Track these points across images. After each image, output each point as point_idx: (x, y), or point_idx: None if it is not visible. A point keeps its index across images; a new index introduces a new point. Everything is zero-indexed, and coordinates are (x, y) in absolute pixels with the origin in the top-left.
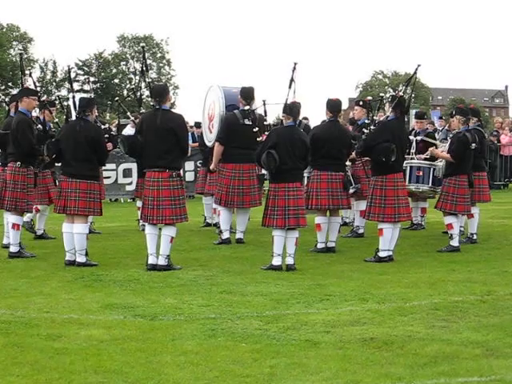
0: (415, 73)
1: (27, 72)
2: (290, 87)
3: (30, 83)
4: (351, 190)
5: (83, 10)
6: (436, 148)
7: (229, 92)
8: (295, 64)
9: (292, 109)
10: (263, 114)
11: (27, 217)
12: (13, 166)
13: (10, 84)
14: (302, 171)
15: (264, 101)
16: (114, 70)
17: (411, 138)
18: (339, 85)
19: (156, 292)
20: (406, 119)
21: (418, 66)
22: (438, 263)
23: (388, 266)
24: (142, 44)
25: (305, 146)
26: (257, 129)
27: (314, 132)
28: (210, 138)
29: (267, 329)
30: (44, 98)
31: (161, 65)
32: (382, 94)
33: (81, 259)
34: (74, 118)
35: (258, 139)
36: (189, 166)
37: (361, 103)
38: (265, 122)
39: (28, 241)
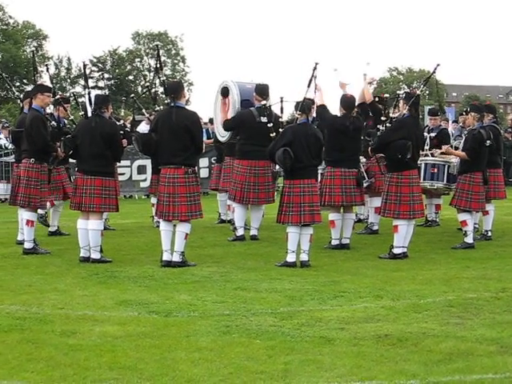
0: (434, 72)
1: (42, 68)
2: (308, 86)
3: (45, 79)
4: (364, 185)
5: (98, 7)
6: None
7: (243, 87)
8: (316, 64)
9: (304, 106)
10: (279, 112)
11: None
12: (27, 163)
13: (24, 81)
14: (316, 168)
15: (282, 98)
16: (129, 67)
17: (425, 134)
18: (354, 81)
19: (170, 288)
20: (420, 116)
21: (438, 65)
22: (453, 260)
23: (402, 263)
24: (156, 42)
25: (319, 142)
26: (271, 124)
27: (327, 125)
28: (222, 134)
29: (281, 325)
30: (58, 94)
31: (175, 61)
32: (398, 92)
33: (95, 255)
34: (89, 114)
35: (271, 135)
36: (203, 162)
37: (377, 99)
38: (280, 119)
39: (42, 237)
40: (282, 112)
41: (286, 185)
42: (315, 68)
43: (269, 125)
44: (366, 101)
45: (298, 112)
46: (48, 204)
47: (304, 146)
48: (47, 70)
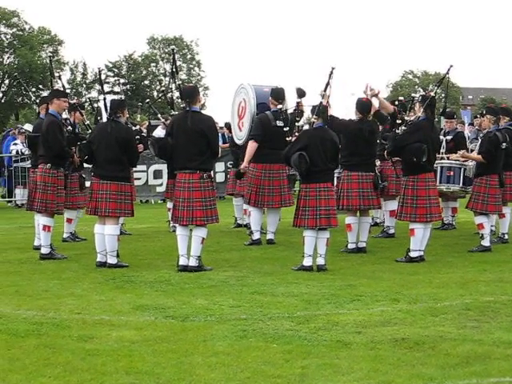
0: (447, 73)
1: (56, 74)
2: (325, 91)
3: (59, 86)
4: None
5: (113, 12)
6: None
7: (260, 91)
8: (332, 69)
9: (320, 110)
10: (296, 115)
11: (67, 231)
12: (43, 168)
13: (40, 86)
14: (332, 171)
15: (298, 102)
16: (144, 72)
17: (441, 137)
18: (369, 84)
19: (187, 293)
20: (436, 119)
21: (451, 66)
22: (470, 263)
23: (419, 266)
24: (171, 47)
25: (335, 146)
26: (287, 128)
27: (343, 129)
28: (239, 136)
29: (298, 329)
30: (74, 100)
31: (191, 66)
32: (413, 95)
33: (112, 260)
34: (104, 119)
35: (287, 139)
36: (219, 167)
37: (396, 103)
38: (296, 123)
39: (59, 242)
40: (298, 116)
41: (302, 188)
42: (331, 73)
43: (285, 129)
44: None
45: (314, 116)
46: (65, 222)
47: (320, 149)
48: (59, 78)
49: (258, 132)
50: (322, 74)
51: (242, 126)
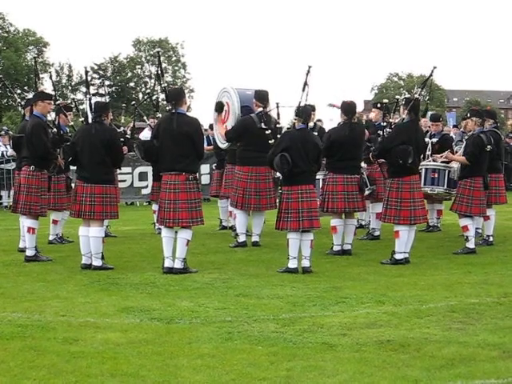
0: (431, 75)
1: (44, 75)
2: (303, 90)
3: (46, 87)
4: (366, 192)
5: (98, 14)
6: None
7: (243, 94)
8: (309, 67)
9: (303, 111)
10: (276, 117)
11: (53, 233)
12: (27, 170)
13: (25, 88)
14: (314, 174)
15: (277, 103)
16: (130, 74)
17: (427, 140)
18: (354, 87)
19: (172, 295)
20: (420, 121)
21: (434, 68)
22: (454, 265)
23: (404, 269)
24: (157, 49)
25: (317, 148)
26: (269, 131)
27: (330, 134)
28: (222, 140)
29: (283, 332)
30: (59, 101)
31: (176, 68)
32: (397, 97)
33: (97, 263)
34: (90, 121)
35: (270, 142)
36: (204, 169)
37: (378, 105)
38: (277, 125)
39: (44, 244)
40: (278, 118)
41: (284, 191)
42: (308, 72)
43: (267, 132)
44: None
45: (295, 117)
46: (51, 223)
47: (301, 151)
48: (50, 77)
49: (233, 134)
50: (301, 73)
51: (225, 129)
